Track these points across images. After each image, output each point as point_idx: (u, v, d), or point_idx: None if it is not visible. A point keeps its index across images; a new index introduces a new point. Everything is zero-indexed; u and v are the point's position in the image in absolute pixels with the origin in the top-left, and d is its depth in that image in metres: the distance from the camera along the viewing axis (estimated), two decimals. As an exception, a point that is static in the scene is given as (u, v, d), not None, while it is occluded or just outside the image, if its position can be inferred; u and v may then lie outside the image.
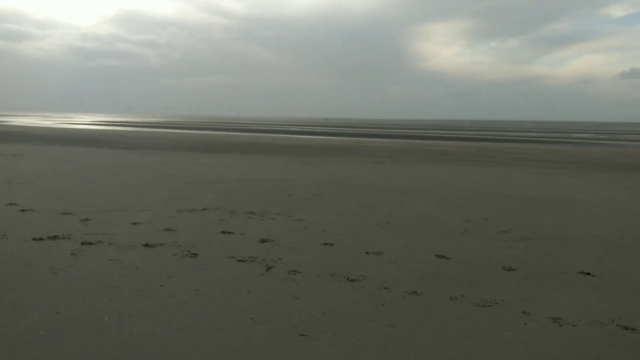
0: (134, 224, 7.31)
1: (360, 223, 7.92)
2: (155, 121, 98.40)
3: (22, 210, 7.98)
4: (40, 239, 6.28)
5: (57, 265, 5.28)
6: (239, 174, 14.00)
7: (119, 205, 8.72)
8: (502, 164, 20.03)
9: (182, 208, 8.63)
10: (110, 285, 4.73)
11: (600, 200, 11.13)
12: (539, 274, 5.53)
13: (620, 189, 13.35)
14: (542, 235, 7.37)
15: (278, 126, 79.39)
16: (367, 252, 6.18)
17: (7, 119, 77.30)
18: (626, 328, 4.11)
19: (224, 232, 6.96)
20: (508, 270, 5.64)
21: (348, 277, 5.20)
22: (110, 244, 6.18)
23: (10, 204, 8.50)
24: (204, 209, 8.58)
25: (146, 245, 6.16)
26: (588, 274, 5.56)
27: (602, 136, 58.92)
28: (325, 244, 6.55)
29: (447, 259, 6.01)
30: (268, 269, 5.41)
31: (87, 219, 7.47)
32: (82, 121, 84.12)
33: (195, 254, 5.84)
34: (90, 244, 6.13)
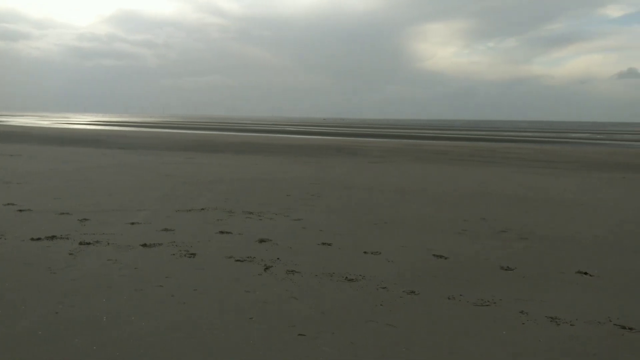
0: (132, 224, 7.30)
1: (358, 223, 7.93)
2: (153, 121, 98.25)
3: (20, 210, 7.97)
4: (38, 239, 6.27)
5: (55, 265, 5.28)
6: (237, 174, 14.00)
7: (117, 205, 8.71)
8: (499, 164, 20.07)
9: (180, 208, 8.63)
10: (108, 285, 4.74)
11: (597, 199, 11.16)
12: (537, 273, 5.55)
13: (618, 188, 13.39)
14: (540, 235, 7.40)
15: (276, 126, 79.35)
16: (365, 252, 6.20)
17: (4, 119, 77.12)
18: (623, 327, 4.13)
19: (222, 232, 6.96)
20: (505, 269, 5.66)
21: (346, 277, 5.21)
22: (108, 244, 6.18)
23: (8, 204, 8.49)
24: (202, 209, 8.58)
25: (144, 245, 6.16)
26: (585, 273, 5.58)
27: (599, 136, 59.04)
28: (323, 243, 6.56)
29: (445, 258, 6.03)
30: (266, 268, 5.42)
31: (85, 219, 7.47)
32: (80, 121, 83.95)
33: (194, 254, 5.85)
34: (89, 244, 6.13)
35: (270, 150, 24.62)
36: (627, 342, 3.87)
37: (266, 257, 5.83)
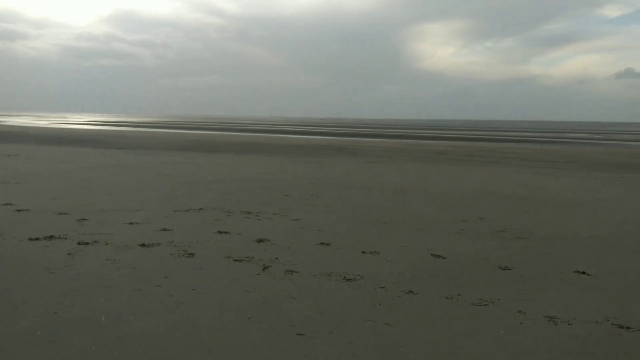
0: (131, 223, 7.30)
1: (357, 222, 7.93)
2: (151, 121, 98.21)
3: (18, 210, 7.97)
4: (37, 239, 6.27)
5: (53, 265, 5.27)
6: (235, 174, 14.00)
7: (116, 205, 8.71)
8: (497, 164, 20.09)
9: (179, 208, 8.63)
10: (107, 285, 4.73)
11: (595, 199, 11.18)
12: (535, 273, 5.55)
13: (617, 188, 13.41)
14: (538, 235, 7.40)
15: (274, 126, 79.35)
16: (363, 252, 6.20)
17: (2, 119, 77.02)
18: (621, 327, 4.14)
19: (220, 232, 6.96)
20: (504, 269, 5.67)
21: (344, 277, 5.21)
22: (106, 243, 6.17)
23: (6, 204, 8.48)
24: (201, 209, 8.58)
25: (143, 245, 6.16)
26: (583, 273, 5.59)
27: (597, 136, 59.11)
28: (322, 243, 6.56)
29: (443, 258, 6.03)
30: (265, 268, 5.42)
31: (84, 219, 7.46)
32: (78, 121, 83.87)
33: (192, 254, 5.85)
34: (87, 244, 6.13)
35: (270, 150, 24.62)
36: (625, 342, 3.88)
37: (265, 257, 5.83)
